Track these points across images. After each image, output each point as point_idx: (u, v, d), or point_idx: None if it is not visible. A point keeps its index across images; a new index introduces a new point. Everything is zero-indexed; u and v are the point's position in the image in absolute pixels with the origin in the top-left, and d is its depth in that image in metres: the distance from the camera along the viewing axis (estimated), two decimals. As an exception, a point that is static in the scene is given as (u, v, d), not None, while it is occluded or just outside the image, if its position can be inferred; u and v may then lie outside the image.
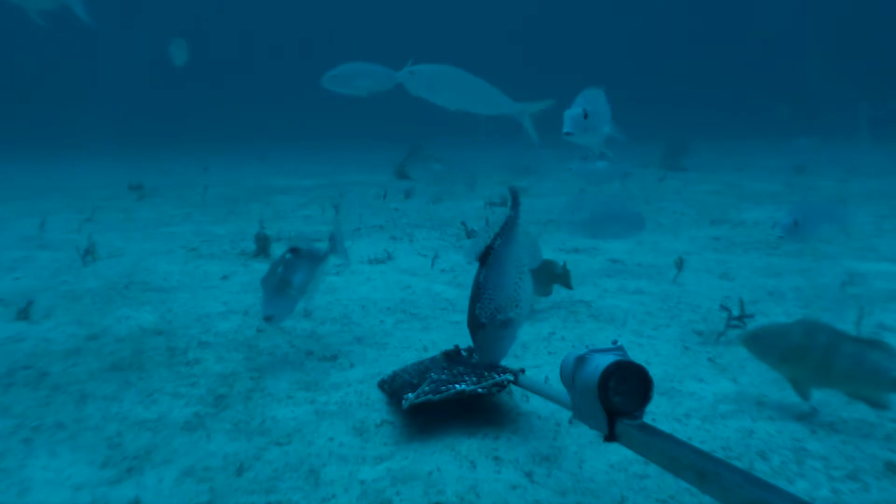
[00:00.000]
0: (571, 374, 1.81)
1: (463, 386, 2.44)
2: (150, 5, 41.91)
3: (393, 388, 2.64)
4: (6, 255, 5.40)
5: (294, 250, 3.09)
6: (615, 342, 1.84)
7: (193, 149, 19.39)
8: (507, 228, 2.08)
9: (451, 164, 10.52)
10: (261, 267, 4.97)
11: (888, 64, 34.18)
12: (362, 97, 4.64)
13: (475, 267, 2.44)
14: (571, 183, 8.63)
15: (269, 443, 2.38)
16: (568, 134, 3.19)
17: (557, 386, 2.04)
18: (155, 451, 2.32)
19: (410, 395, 2.41)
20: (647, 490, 2.08)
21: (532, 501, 2.02)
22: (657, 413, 2.57)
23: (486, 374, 2.56)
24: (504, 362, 2.59)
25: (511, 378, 2.51)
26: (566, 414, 2.39)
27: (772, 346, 2.55)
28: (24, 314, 3.76)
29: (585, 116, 3.19)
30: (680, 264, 4.63)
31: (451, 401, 2.42)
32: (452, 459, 2.24)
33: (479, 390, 2.44)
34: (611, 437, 1.71)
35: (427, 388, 2.42)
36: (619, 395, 1.69)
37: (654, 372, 2.54)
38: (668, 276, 4.65)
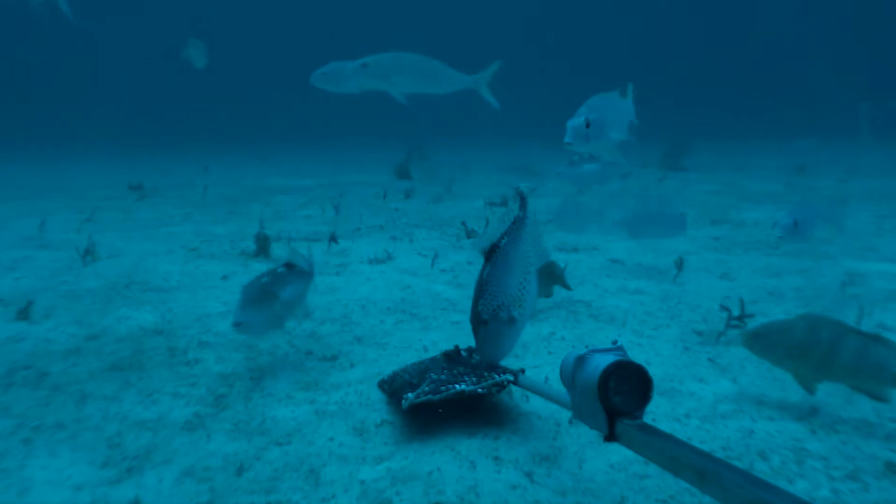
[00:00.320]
0: (571, 374, 1.81)
1: (463, 386, 2.44)
2: (150, 5, 41.93)
3: (393, 388, 2.64)
4: (6, 255, 5.40)
5: (289, 265, 3.01)
6: (615, 342, 1.83)
7: (193, 149, 19.39)
8: (516, 228, 2.08)
9: (439, 164, 10.53)
10: (261, 267, 4.97)
11: (888, 64, 34.18)
12: (354, 94, 4.63)
13: (475, 267, 2.44)
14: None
15: (269, 443, 2.38)
16: (568, 144, 3.18)
17: (557, 386, 2.04)
18: (155, 451, 2.32)
19: (410, 394, 2.41)
20: (647, 490, 2.08)
21: (532, 501, 2.02)
22: (657, 413, 2.57)
23: (486, 374, 2.56)
24: (504, 362, 2.59)
25: (511, 378, 2.51)
26: (566, 414, 2.39)
27: (775, 342, 2.55)
28: (24, 314, 3.76)
29: (588, 126, 3.17)
30: (680, 264, 4.63)
31: (451, 401, 2.42)
32: (452, 459, 2.24)
33: (479, 390, 2.44)
34: (611, 437, 1.71)
35: (427, 388, 2.42)
36: (619, 395, 1.69)
37: (654, 372, 2.54)
38: (668, 276, 4.65)
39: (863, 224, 6.63)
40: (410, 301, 4.12)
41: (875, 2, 40.21)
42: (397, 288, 4.41)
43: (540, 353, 3.23)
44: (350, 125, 24.78)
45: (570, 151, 3.28)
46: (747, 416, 2.56)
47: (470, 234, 6.10)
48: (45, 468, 2.23)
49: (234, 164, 14.97)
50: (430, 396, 2.37)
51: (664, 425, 2.45)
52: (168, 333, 3.54)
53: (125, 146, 19.55)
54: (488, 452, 2.29)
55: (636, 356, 2.95)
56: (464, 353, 2.87)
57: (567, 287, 4.00)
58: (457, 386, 2.44)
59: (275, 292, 2.87)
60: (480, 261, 2.11)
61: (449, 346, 3.02)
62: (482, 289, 1.98)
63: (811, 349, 2.46)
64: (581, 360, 1.79)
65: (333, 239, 5.57)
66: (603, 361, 1.72)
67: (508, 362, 2.95)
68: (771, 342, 2.56)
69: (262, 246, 5.34)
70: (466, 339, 3.15)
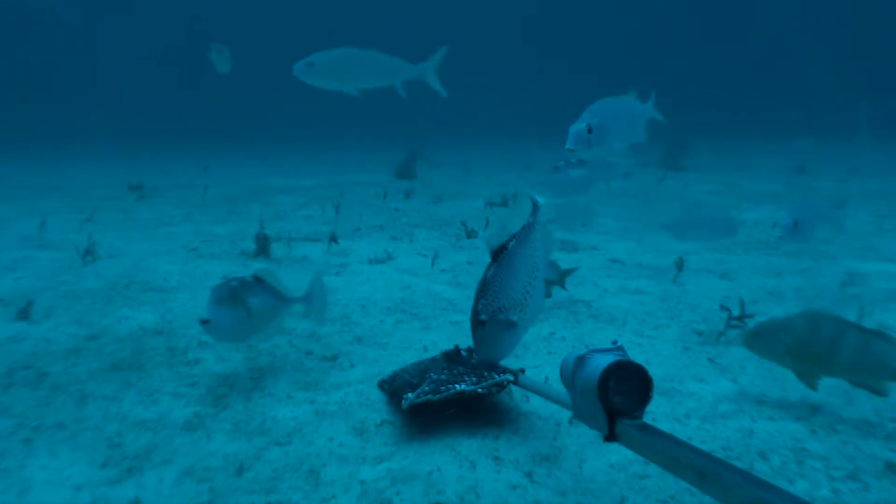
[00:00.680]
0: (571, 374, 1.81)
1: (463, 386, 2.44)
2: (149, 5, 41.91)
3: (393, 388, 2.64)
4: (6, 255, 5.40)
5: (257, 277, 2.92)
6: (615, 342, 1.83)
7: (193, 149, 19.39)
8: (525, 232, 2.07)
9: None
10: (261, 267, 4.97)
11: (887, 64, 34.18)
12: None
13: (475, 267, 2.44)
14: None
15: (269, 443, 2.38)
16: (570, 151, 3.17)
17: (557, 386, 2.05)
18: (155, 451, 2.32)
19: (410, 394, 2.41)
20: (647, 490, 2.08)
21: (532, 501, 2.02)
22: (657, 413, 2.57)
23: (486, 374, 2.56)
24: (504, 362, 2.58)
25: (511, 378, 2.51)
26: (566, 414, 2.39)
27: (776, 340, 2.55)
28: (24, 314, 3.76)
29: (590, 131, 3.16)
30: (680, 264, 4.64)
31: (451, 401, 2.42)
32: (452, 459, 2.24)
33: (479, 390, 2.44)
34: (611, 437, 1.71)
35: (427, 388, 2.43)
36: (619, 395, 1.69)
37: (654, 372, 2.54)
38: (668, 275, 4.65)
39: (863, 224, 6.63)
40: (410, 301, 4.12)
41: (874, 2, 40.22)
42: (397, 288, 4.41)
43: (540, 353, 3.23)
44: (350, 125, 24.78)
45: (572, 157, 3.27)
46: (747, 416, 2.56)
47: (470, 234, 6.10)
48: (45, 468, 2.23)
49: (234, 164, 14.96)
50: (430, 396, 2.38)
51: (664, 425, 2.45)
52: (168, 333, 3.54)
53: (125, 146, 19.56)
54: (488, 452, 2.29)
55: (636, 356, 2.95)
56: (464, 353, 2.87)
57: (563, 287, 4.00)
58: (457, 386, 2.44)
59: (243, 298, 2.77)
60: (480, 261, 2.10)
61: (449, 346, 3.02)
62: (484, 289, 1.98)
63: (812, 345, 2.47)
64: (581, 360, 1.79)
65: (333, 239, 5.57)
66: (603, 361, 1.72)
67: (508, 362, 2.96)
68: (771, 340, 2.56)
69: (262, 246, 5.34)
70: (466, 339, 3.15)
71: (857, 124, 15.97)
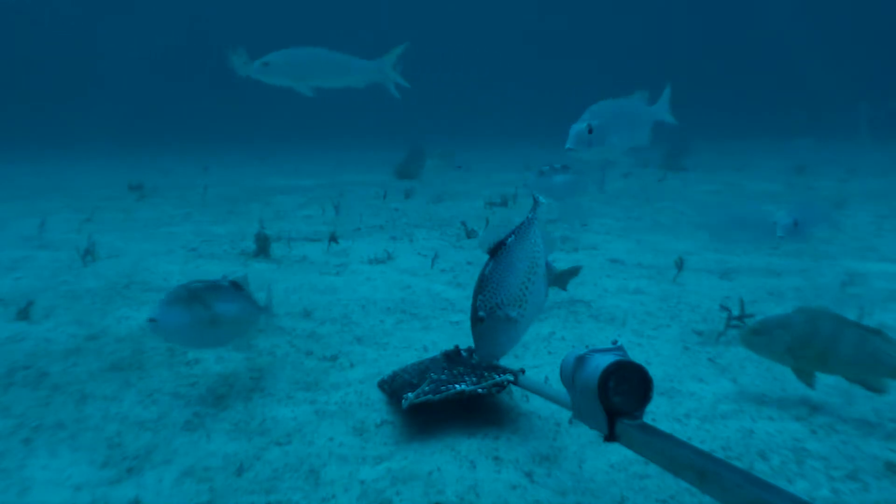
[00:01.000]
0: (571, 374, 1.81)
1: (463, 386, 2.44)
2: (149, 5, 41.90)
3: (393, 388, 2.64)
4: (6, 255, 5.40)
5: (234, 283, 2.74)
6: (615, 342, 1.83)
7: (193, 149, 19.40)
8: (524, 228, 2.07)
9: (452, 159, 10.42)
10: (260, 267, 4.98)
11: (887, 64, 34.17)
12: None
13: (475, 267, 2.44)
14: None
15: (269, 443, 2.38)
16: (570, 150, 3.16)
17: (557, 386, 2.05)
18: (155, 451, 2.32)
19: (410, 394, 2.41)
20: (647, 490, 2.08)
21: (532, 501, 2.02)
22: (657, 413, 2.57)
23: (485, 374, 2.56)
24: (504, 362, 2.59)
25: (511, 378, 2.51)
26: (566, 414, 2.39)
27: (776, 338, 2.55)
28: (24, 314, 3.76)
29: (590, 131, 3.15)
30: (680, 264, 4.63)
31: (451, 401, 2.42)
32: (452, 459, 2.24)
33: (479, 390, 2.44)
34: (611, 437, 1.71)
35: (427, 388, 2.42)
36: (619, 395, 1.69)
37: (654, 372, 2.54)
38: (668, 275, 4.65)
39: (863, 224, 6.64)
40: (410, 301, 4.12)
41: (874, 2, 40.21)
42: (397, 288, 4.41)
43: (540, 353, 3.23)
44: (350, 125, 24.79)
45: (573, 157, 3.26)
46: (747, 416, 2.56)
47: (470, 234, 6.10)
48: (45, 468, 2.23)
49: (234, 163, 14.97)
50: (429, 396, 2.37)
51: (664, 425, 2.45)
52: (168, 333, 3.53)
53: (125, 146, 19.56)
54: (488, 452, 2.29)
55: (636, 356, 2.95)
56: (464, 353, 2.87)
57: (563, 288, 3.99)
58: (457, 386, 2.44)
59: (206, 301, 2.57)
60: (480, 261, 2.10)
61: (449, 346, 3.02)
62: (482, 285, 1.97)
63: (812, 342, 2.49)
64: (581, 360, 1.79)
65: (333, 239, 5.57)
66: (603, 361, 1.72)
67: (508, 362, 2.96)
68: (771, 338, 2.57)
69: (262, 246, 5.34)
70: (466, 339, 3.15)
71: (857, 124, 15.97)
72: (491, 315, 1.93)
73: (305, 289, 4.37)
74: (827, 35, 39.83)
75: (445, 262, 5.08)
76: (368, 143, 20.19)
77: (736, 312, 3.54)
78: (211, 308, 2.58)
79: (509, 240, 2.02)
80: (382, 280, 4.62)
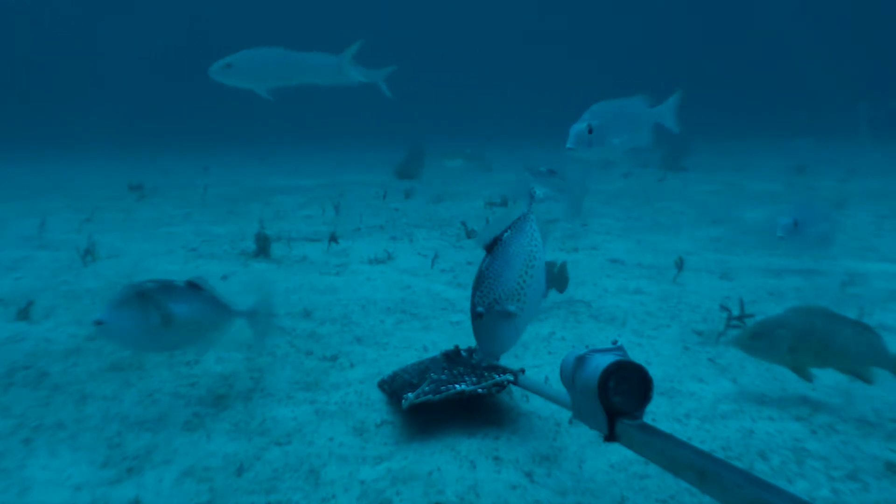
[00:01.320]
0: (571, 374, 1.81)
1: (463, 386, 2.44)
2: (149, 5, 41.90)
3: (393, 388, 2.64)
4: (6, 255, 5.40)
5: (191, 283, 2.53)
6: (615, 342, 1.83)
7: (193, 149, 19.40)
8: (519, 222, 2.07)
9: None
10: (261, 267, 4.98)
11: (888, 64, 34.18)
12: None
13: (475, 267, 2.43)
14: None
15: (269, 443, 2.38)
16: (570, 150, 3.16)
17: (557, 386, 2.04)
18: (155, 451, 2.32)
19: (410, 394, 2.41)
20: (647, 490, 2.08)
21: (532, 501, 2.02)
22: (657, 413, 2.57)
23: (485, 374, 2.56)
24: (504, 362, 2.58)
25: (511, 378, 2.51)
26: (566, 414, 2.39)
27: (778, 339, 2.56)
28: (24, 314, 3.76)
29: (590, 131, 3.15)
30: (680, 264, 4.63)
31: (451, 401, 2.42)
32: (452, 459, 2.24)
33: (479, 390, 2.44)
34: (611, 437, 1.71)
35: (427, 388, 2.42)
36: (619, 395, 1.69)
37: (654, 372, 2.54)
38: (668, 275, 4.65)
39: (863, 224, 6.64)
40: (410, 301, 4.12)
41: (874, 1, 40.21)
42: (397, 288, 4.41)
43: (540, 353, 3.23)
44: (350, 125, 24.79)
45: (573, 157, 3.26)
46: (747, 416, 2.56)
47: (470, 234, 6.10)
48: (45, 468, 2.23)
49: (234, 163, 14.97)
50: (429, 396, 2.37)
51: (664, 425, 2.45)
52: (168, 333, 3.53)
53: (125, 146, 19.55)
54: (488, 452, 2.29)
55: (636, 356, 2.95)
56: (464, 353, 2.87)
57: (561, 290, 3.99)
58: (457, 386, 2.44)
59: (158, 302, 2.39)
60: (480, 261, 2.10)
61: (449, 346, 3.02)
62: (479, 281, 1.97)
63: (809, 339, 2.54)
64: (581, 360, 1.79)
65: (333, 239, 5.57)
66: (603, 361, 1.72)
67: (508, 362, 2.96)
68: (773, 339, 2.58)
69: (262, 246, 5.34)
70: (466, 339, 3.15)
71: (857, 124, 15.97)
72: (490, 310, 1.93)
73: (305, 289, 4.37)
74: (827, 35, 39.84)
75: (445, 262, 5.08)
76: (368, 143, 20.19)
77: (736, 312, 3.54)
78: (163, 308, 2.40)
79: (505, 235, 2.02)
80: (382, 280, 4.62)
